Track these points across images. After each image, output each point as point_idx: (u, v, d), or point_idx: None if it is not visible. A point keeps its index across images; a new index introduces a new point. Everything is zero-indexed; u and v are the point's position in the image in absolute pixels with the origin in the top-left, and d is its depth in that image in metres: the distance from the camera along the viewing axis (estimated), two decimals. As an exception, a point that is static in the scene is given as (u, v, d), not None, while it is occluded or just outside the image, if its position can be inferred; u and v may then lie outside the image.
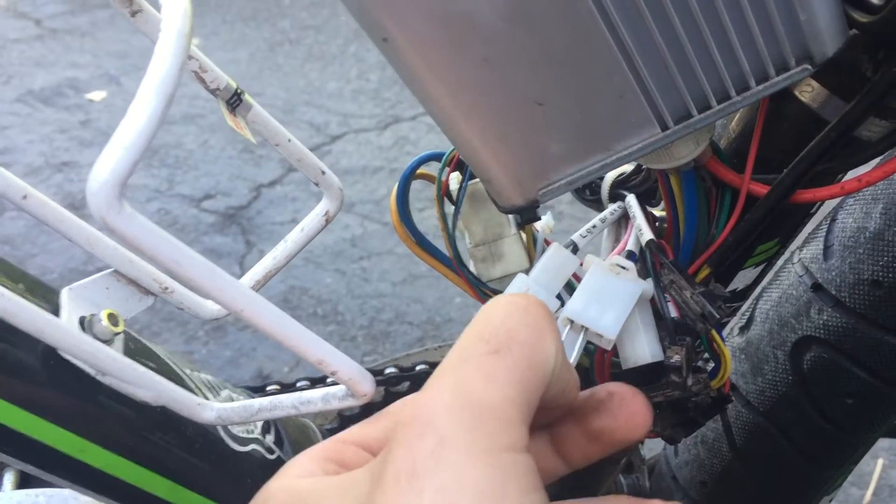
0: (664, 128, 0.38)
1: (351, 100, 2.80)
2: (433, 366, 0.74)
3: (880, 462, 1.62)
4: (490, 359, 0.27)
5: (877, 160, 0.45)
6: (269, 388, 0.77)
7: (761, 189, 0.44)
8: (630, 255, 0.48)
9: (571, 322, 0.43)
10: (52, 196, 2.27)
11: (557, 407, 0.32)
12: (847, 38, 0.37)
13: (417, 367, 0.74)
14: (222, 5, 3.43)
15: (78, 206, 2.22)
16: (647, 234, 0.48)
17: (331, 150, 2.55)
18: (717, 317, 0.45)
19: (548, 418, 0.34)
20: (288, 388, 0.77)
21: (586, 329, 0.43)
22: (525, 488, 0.25)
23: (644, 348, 0.46)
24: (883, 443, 1.61)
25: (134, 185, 2.33)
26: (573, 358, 0.42)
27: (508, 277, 0.52)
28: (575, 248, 0.51)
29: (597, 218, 0.53)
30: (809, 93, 0.43)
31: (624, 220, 0.54)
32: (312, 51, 3.13)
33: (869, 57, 0.41)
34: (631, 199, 0.52)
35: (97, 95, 2.77)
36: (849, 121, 0.40)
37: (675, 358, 0.46)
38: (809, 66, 0.37)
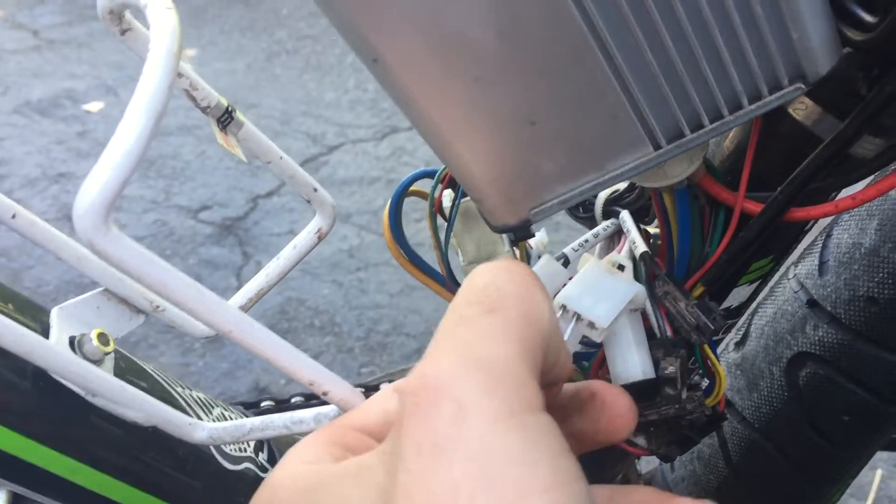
0: (657, 147, 0.38)
1: (348, 110, 2.80)
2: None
3: (879, 473, 1.62)
4: (486, 318, 0.26)
5: (872, 177, 0.45)
6: (263, 405, 0.76)
7: (755, 207, 0.43)
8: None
9: (564, 308, 0.42)
10: (48, 207, 2.27)
11: (549, 381, 0.31)
12: (840, 56, 0.37)
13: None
14: (220, 16, 3.44)
15: (74, 217, 2.21)
16: (642, 247, 0.48)
17: (328, 160, 2.55)
18: (712, 328, 0.44)
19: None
20: (282, 403, 0.77)
21: (578, 317, 0.42)
22: (555, 451, 0.23)
23: (636, 365, 0.46)
24: (882, 453, 1.61)
25: (130, 196, 2.33)
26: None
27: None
28: (566, 262, 0.51)
29: (590, 233, 0.53)
30: (803, 110, 0.43)
31: (617, 236, 0.54)
32: (310, 61, 3.14)
33: (864, 74, 0.41)
34: (625, 215, 0.52)
35: (94, 106, 2.77)
36: (843, 139, 0.40)
37: (670, 369, 0.46)
38: (802, 85, 0.36)
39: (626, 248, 0.49)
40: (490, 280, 0.28)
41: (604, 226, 0.53)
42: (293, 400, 0.76)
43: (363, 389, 0.74)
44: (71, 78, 2.96)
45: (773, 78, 0.36)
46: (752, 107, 0.37)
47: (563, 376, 0.31)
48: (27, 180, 2.40)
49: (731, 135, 0.48)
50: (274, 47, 3.23)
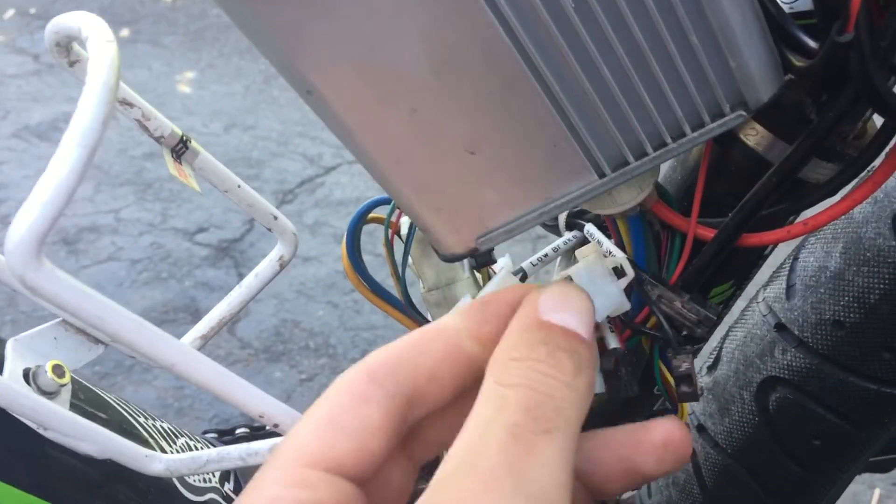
0: (601, 175, 0.38)
1: (345, 131, 2.80)
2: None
3: (877, 492, 1.60)
4: (543, 441, 0.25)
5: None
6: (238, 432, 0.76)
7: (708, 233, 0.43)
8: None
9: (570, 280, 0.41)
10: (42, 232, 2.26)
11: None
12: (782, 83, 0.36)
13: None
14: (218, 39, 3.45)
15: (71, 241, 2.22)
16: (620, 254, 0.47)
17: (324, 181, 2.55)
18: (714, 318, 0.44)
19: None
20: (257, 430, 0.76)
21: None
22: None
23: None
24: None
25: (127, 218, 2.33)
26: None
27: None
28: (524, 276, 0.50)
29: (549, 247, 0.52)
30: (754, 136, 0.42)
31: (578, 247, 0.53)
32: (308, 82, 3.14)
33: (812, 99, 0.41)
34: (591, 228, 0.51)
35: (92, 130, 2.78)
36: (790, 165, 0.39)
37: (685, 366, 0.44)
38: (744, 113, 0.36)
39: (616, 255, 0.48)
40: (553, 392, 0.27)
41: (565, 238, 0.52)
42: (268, 427, 0.76)
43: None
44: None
45: (715, 105, 0.36)
46: (695, 134, 0.37)
47: None
48: (24, 204, 2.40)
49: (684, 159, 0.47)
50: (272, 69, 3.23)
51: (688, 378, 0.42)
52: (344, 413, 0.28)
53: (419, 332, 0.31)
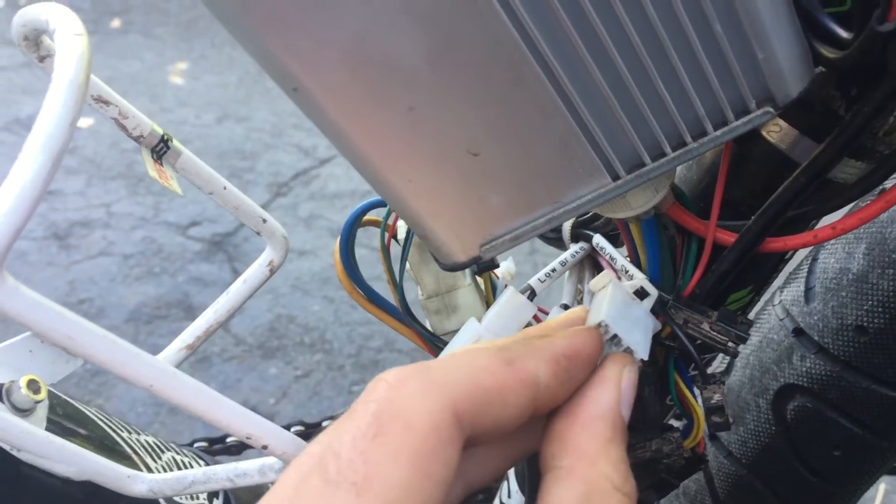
0: (615, 178, 0.35)
1: (340, 122, 2.76)
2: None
3: (882, 488, 1.58)
4: None
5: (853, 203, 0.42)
6: (229, 440, 0.73)
7: (729, 237, 0.40)
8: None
9: (604, 327, 0.38)
10: (35, 226, 2.22)
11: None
12: (812, 77, 0.33)
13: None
14: (211, 28, 3.41)
15: (62, 235, 2.19)
16: (640, 275, 0.43)
17: (319, 173, 2.52)
18: (746, 337, 0.41)
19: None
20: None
21: (617, 340, 0.36)
22: None
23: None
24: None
25: (119, 213, 2.30)
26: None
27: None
28: (532, 294, 0.47)
29: (556, 261, 0.49)
30: (777, 133, 0.39)
31: (587, 260, 0.50)
32: (302, 73, 3.10)
33: (841, 94, 0.38)
34: (600, 241, 0.48)
35: (84, 123, 2.74)
36: (820, 164, 0.36)
37: (716, 398, 0.42)
38: (771, 109, 0.33)
39: (633, 273, 0.45)
40: None
41: (572, 252, 0.49)
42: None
43: (302, 427, 0.71)
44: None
45: (740, 101, 0.33)
46: (718, 133, 0.34)
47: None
48: (14, 199, 2.36)
49: (700, 158, 0.44)
50: (265, 60, 3.20)
51: (720, 409, 0.39)
52: (434, 461, 0.26)
53: (504, 372, 0.29)
